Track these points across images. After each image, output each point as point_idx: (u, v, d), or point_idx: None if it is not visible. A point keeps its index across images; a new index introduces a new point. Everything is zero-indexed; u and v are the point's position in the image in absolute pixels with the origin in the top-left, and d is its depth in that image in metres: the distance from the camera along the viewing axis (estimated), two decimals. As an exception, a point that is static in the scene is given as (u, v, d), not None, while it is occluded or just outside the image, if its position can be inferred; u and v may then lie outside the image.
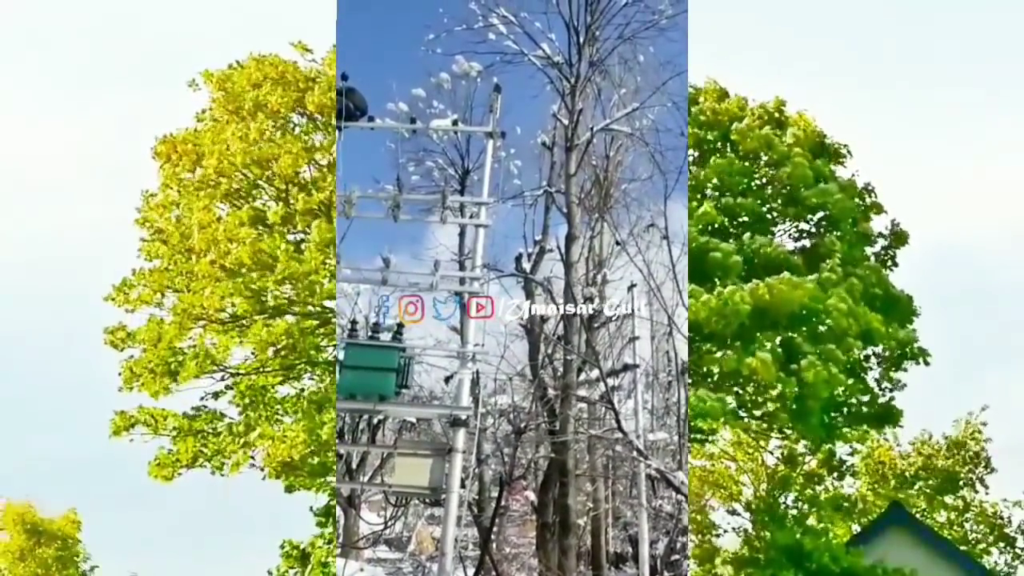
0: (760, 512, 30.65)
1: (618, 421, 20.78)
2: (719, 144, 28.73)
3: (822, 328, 25.44)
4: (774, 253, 26.42)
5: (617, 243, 22.91)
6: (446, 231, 21.78)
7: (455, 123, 20.61)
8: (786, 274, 25.11)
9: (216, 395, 28.33)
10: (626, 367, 22.12)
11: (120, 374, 27.24)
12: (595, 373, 21.72)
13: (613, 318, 22.28)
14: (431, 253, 21.55)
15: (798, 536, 26.73)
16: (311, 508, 28.65)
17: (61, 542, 34.35)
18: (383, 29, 22.69)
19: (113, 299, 27.72)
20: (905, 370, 28.08)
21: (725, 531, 33.92)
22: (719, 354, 24.94)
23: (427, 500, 20.56)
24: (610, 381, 21.62)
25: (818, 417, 26.10)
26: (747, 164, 28.10)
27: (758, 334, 24.94)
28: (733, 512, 33.71)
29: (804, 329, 25.40)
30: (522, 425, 22.38)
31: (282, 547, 28.99)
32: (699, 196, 27.66)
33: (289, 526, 30.10)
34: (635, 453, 20.91)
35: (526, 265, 22.75)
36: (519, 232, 23.22)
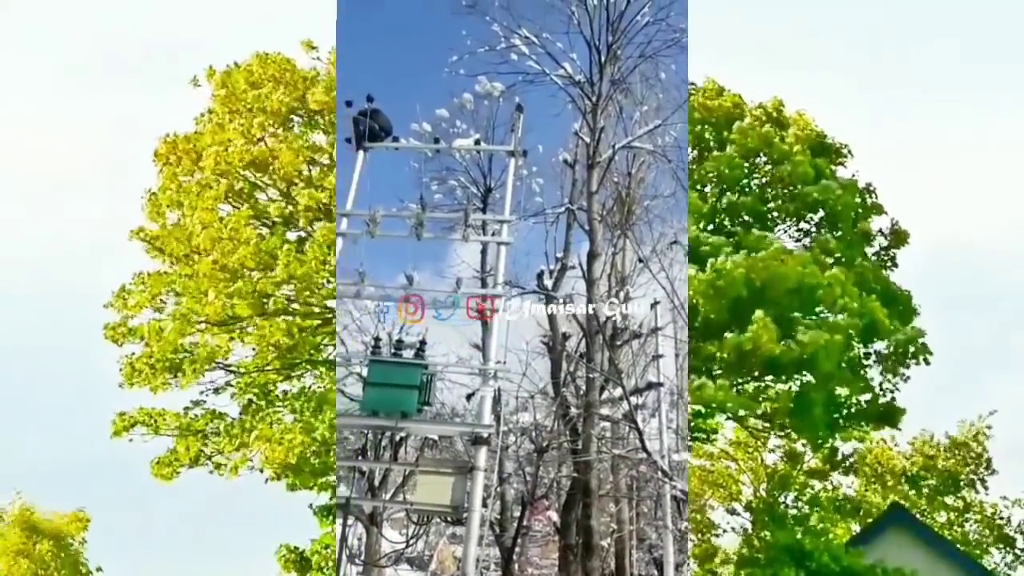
0: (760, 512, 30.81)
1: (642, 441, 20.70)
2: (716, 142, 28.74)
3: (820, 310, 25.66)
4: (772, 245, 26.46)
5: (640, 260, 22.83)
6: (468, 248, 21.72)
7: (477, 142, 20.55)
8: (776, 244, 25.28)
9: (217, 391, 28.13)
10: (650, 385, 22.06)
11: (121, 370, 27.04)
12: (618, 391, 21.64)
13: (638, 334, 22.22)
14: (453, 270, 21.46)
15: (798, 536, 26.90)
16: (311, 505, 28.58)
17: (57, 542, 34.07)
18: (402, 52, 22.61)
19: (112, 305, 27.45)
20: (907, 366, 28.24)
21: (725, 531, 34.10)
22: (722, 336, 25.06)
23: (449, 519, 20.49)
24: (633, 400, 21.54)
25: (820, 411, 26.23)
26: (746, 163, 28.15)
27: (758, 311, 25.08)
28: (733, 512, 33.85)
29: (801, 309, 25.53)
30: (544, 444, 22.31)
31: (278, 552, 28.69)
32: (697, 193, 27.66)
33: (291, 525, 30.06)
34: (659, 473, 20.85)
35: (548, 282, 22.67)
36: (541, 249, 23.16)
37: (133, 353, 27.13)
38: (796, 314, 25.34)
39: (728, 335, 24.85)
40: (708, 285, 24.28)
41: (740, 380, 27.73)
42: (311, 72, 27.90)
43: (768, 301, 25.09)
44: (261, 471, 27.30)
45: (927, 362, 27.94)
